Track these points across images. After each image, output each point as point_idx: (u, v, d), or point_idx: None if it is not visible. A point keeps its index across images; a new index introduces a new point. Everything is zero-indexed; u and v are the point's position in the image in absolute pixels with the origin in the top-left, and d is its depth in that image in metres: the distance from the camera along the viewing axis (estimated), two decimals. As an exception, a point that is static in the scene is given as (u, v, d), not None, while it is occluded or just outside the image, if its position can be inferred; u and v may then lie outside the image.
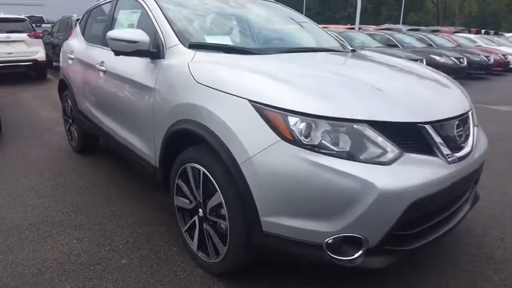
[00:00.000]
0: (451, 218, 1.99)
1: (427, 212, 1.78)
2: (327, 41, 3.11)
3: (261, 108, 1.68)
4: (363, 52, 2.97)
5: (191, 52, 2.22)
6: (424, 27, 21.95)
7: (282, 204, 1.65)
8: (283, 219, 1.66)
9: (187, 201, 2.17)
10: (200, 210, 2.07)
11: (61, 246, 2.44)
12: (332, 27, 17.34)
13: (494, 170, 3.77)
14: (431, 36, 13.71)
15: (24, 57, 9.22)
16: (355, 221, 1.57)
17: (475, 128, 2.14)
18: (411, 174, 1.63)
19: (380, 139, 1.62)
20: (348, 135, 1.60)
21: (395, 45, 11.24)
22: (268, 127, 1.64)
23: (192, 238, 2.20)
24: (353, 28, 15.59)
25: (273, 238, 1.70)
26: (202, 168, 1.95)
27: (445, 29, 21.85)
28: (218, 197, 1.87)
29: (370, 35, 11.68)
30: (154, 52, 2.38)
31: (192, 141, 2.03)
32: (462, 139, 1.91)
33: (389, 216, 1.60)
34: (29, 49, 9.25)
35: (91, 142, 4.09)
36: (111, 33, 2.39)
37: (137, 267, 2.22)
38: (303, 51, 2.61)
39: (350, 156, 1.58)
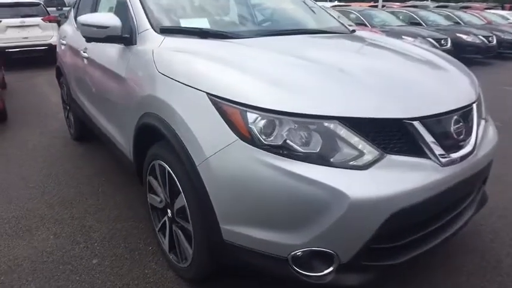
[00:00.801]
0: (449, 226, 1.75)
1: (414, 222, 1.55)
2: (323, 22, 2.83)
3: (219, 103, 1.48)
4: (361, 34, 2.68)
5: (160, 38, 2.03)
6: (453, 4, 20.75)
7: (241, 212, 1.47)
8: (245, 229, 1.48)
9: (158, 199, 2.02)
10: (169, 210, 1.92)
11: (36, 242, 2.36)
12: (355, 5, 16.65)
13: (513, 162, 3.44)
14: (459, 13, 12.87)
15: (39, 41, 9.23)
16: (322, 234, 1.37)
17: (482, 121, 1.87)
18: (393, 180, 1.40)
19: (355, 139, 1.39)
20: (316, 135, 1.38)
21: (419, 24, 10.61)
22: (226, 124, 1.44)
23: (164, 239, 2.05)
24: (376, 6, 14.89)
25: (235, 248, 1.53)
26: (167, 167, 1.78)
27: (476, 5, 20.57)
28: (182, 199, 1.71)
29: (392, 13, 11.07)
30: (127, 38, 2.20)
31: (158, 137, 1.86)
32: (462, 136, 1.64)
33: (364, 229, 1.39)
34: (43, 33, 9.25)
35: (87, 130, 4.00)
36: (81, 18, 2.22)
37: (107, 267, 2.10)
38: (289, 33, 2.36)
39: (318, 159, 1.37)
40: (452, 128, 1.58)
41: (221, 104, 1.47)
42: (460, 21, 11.98)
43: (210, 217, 1.53)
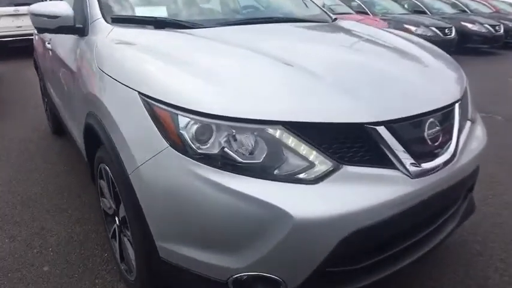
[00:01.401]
0: (425, 242, 1.56)
1: (379, 241, 1.37)
2: (302, 10, 2.61)
3: (151, 104, 1.30)
4: (342, 23, 2.46)
5: (108, 28, 1.84)
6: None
7: (176, 229, 1.30)
8: (181, 248, 1.31)
9: (108, 205, 1.86)
10: (116, 218, 1.76)
11: (-11, 246, 2.22)
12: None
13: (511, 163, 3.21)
14: (466, 1, 12.43)
15: (34, 30, 9.07)
16: (264, 257, 1.20)
17: (467, 123, 1.66)
18: (350, 195, 1.21)
19: (304, 148, 1.21)
20: (260, 143, 1.20)
21: (423, 12, 10.25)
22: (157, 129, 1.27)
23: (116, 247, 1.90)
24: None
25: (172, 268, 1.36)
26: (109, 172, 1.62)
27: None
28: (123, 208, 1.55)
29: (396, 0, 10.70)
30: (79, 28, 2.02)
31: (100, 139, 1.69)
32: (438, 142, 1.43)
33: (314, 253, 1.21)
34: (37, 22, 9.08)
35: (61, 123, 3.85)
36: (31, 7, 2.05)
37: (57, 276, 1.96)
38: (259, 22, 2.15)
39: (260, 171, 1.19)
40: (426, 133, 1.38)
41: (153, 106, 1.29)
42: (467, 10, 11.57)
43: (146, 231, 1.37)
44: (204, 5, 2.22)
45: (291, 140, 1.20)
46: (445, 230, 1.64)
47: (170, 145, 1.23)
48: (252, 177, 1.17)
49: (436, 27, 8.38)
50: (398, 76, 1.57)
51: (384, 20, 8.33)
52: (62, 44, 2.32)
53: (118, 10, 2.02)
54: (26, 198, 2.74)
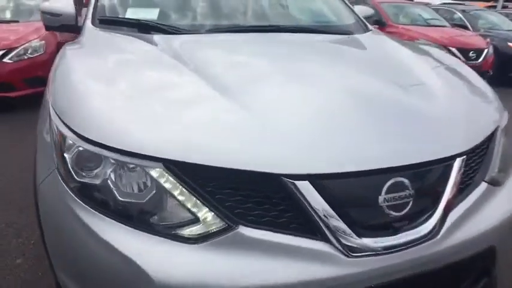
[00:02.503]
0: None
1: None
2: (329, 17, 2.29)
3: (54, 118, 1.15)
4: (364, 37, 2.03)
5: (92, 31, 1.77)
6: None
7: (66, 262, 1.14)
8: (72, 283, 1.14)
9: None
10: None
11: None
12: (477, 4, 14.51)
13: None
14: None
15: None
16: None
17: (482, 186, 1.22)
18: (240, 266, 0.93)
19: (189, 196, 0.95)
20: (138, 181, 0.98)
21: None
22: (54, 146, 1.12)
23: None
24: (495, 6, 12.81)
25: None
26: None
27: None
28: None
29: (507, 15, 9.32)
30: (80, 28, 1.99)
31: None
32: (407, 210, 1.04)
33: None
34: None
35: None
36: (42, 5, 2.08)
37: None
38: (259, 30, 1.87)
39: (136, 215, 0.97)
40: (384, 197, 1.00)
41: (55, 121, 1.14)
42: None
43: (49, 259, 1.24)
44: (202, 8, 2.01)
45: (172, 185, 0.95)
46: None
47: (57, 167, 1.07)
48: (125, 223, 0.96)
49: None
50: (364, 117, 1.17)
51: (485, 35, 7.23)
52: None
53: (110, 12, 1.93)
54: None
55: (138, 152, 0.97)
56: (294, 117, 1.12)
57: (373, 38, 2.05)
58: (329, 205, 0.95)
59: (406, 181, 1.02)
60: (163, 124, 1.05)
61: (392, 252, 1.01)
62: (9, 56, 4.43)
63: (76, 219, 1.00)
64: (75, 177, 1.03)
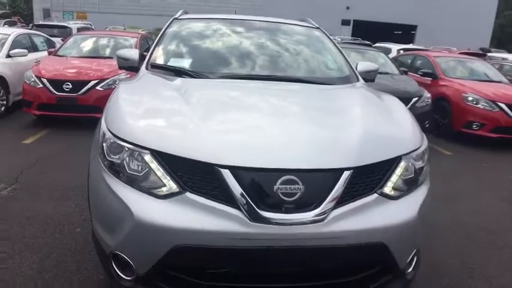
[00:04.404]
0: None
1: (211, 265, 1.66)
2: (319, 70, 2.95)
3: (103, 124, 1.97)
4: (347, 89, 2.62)
5: (143, 72, 2.62)
6: None
7: (96, 209, 1.89)
8: (96, 225, 1.89)
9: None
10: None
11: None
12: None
13: None
14: None
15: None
16: (122, 242, 1.68)
17: (373, 196, 1.70)
18: (183, 215, 1.57)
19: (162, 171, 1.64)
20: (136, 161, 1.70)
21: None
22: (98, 141, 1.91)
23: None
24: None
25: (95, 239, 1.94)
26: None
27: None
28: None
29: None
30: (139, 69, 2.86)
31: None
32: (295, 198, 1.57)
33: (152, 251, 1.61)
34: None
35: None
36: (118, 52, 3.01)
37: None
38: (262, 79, 2.56)
39: (134, 181, 1.68)
40: (278, 187, 1.57)
41: (102, 125, 1.94)
42: None
43: (89, 208, 1.99)
44: (216, 61, 2.79)
45: (154, 164, 1.65)
46: None
47: (99, 152, 1.84)
48: (128, 184, 1.68)
49: None
50: (282, 133, 1.80)
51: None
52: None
53: (159, 60, 2.79)
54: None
55: (138, 143, 1.70)
56: (232, 128, 1.84)
57: (348, 87, 2.65)
58: (241, 187, 1.57)
59: (296, 179, 1.58)
60: (153, 128, 1.82)
61: (283, 225, 1.57)
62: (101, 84, 5.67)
63: (104, 182, 1.74)
64: (107, 157, 1.78)
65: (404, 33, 30.19)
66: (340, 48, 3.17)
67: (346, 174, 1.65)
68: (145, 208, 1.60)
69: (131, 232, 1.60)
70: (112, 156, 1.77)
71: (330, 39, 3.29)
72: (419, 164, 1.91)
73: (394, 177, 1.78)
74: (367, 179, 1.72)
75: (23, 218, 2.99)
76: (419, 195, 1.87)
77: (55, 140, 5.17)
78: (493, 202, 4.10)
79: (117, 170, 1.73)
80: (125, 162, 1.72)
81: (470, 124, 6.37)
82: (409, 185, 1.84)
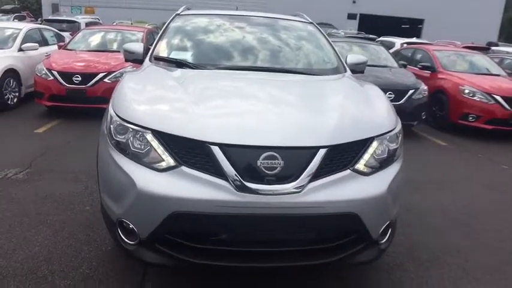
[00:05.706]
0: (269, 257, 1.96)
1: (203, 230, 1.90)
2: (312, 62, 3.17)
3: (110, 108, 2.21)
4: (334, 79, 2.84)
5: (146, 64, 2.87)
6: None
7: (103, 183, 2.15)
8: (104, 197, 2.14)
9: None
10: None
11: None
12: None
13: None
14: None
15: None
16: (127, 210, 1.93)
17: (346, 172, 1.92)
18: (179, 186, 1.82)
19: (162, 149, 1.88)
20: (139, 139, 1.94)
21: None
22: (106, 122, 2.17)
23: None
24: None
25: (103, 210, 2.20)
26: None
27: None
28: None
29: None
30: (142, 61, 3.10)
31: None
32: (275, 172, 1.80)
33: (152, 218, 1.86)
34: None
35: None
36: (124, 45, 3.26)
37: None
38: (255, 70, 2.83)
39: (137, 157, 1.93)
40: (260, 161, 1.81)
41: (110, 109, 2.19)
42: None
43: (98, 183, 2.25)
44: (213, 54, 3.04)
45: (155, 142, 1.90)
46: (306, 260, 1.96)
47: (107, 132, 2.09)
48: (131, 159, 1.93)
49: None
50: (267, 115, 2.08)
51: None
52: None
53: (162, 53, 3.03)
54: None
55: (141, 124, 1.94)
56: (221, 111, 2.11)
57: (335, 78, 2.87)
58: (229, 161, 1.81)
59: (276, 155, 1.83)
60: (154, 111, 2.07)
61: (265, 195, 1.81)
62: (109, 77, 5.93)
63: (111, 158, 1.99)
64: (114, 137, 2.03)
65: (412, 27, 30.07)
66: (331, 42, 3.39)
67: (321, 151, 1.89)
68: (147, 180, 1.84)
69: (134, 201, 1.85)
70: (118, 136, 2.01)
71: (322, 33, 3.50)
72: (393, 146, 2.13)
73: (367, 156, 2.00)
74: (341, 156, 1.95)
75: (38, 198, 3.26)
76: (391, 172, 2.09)
77: (66, 130, 5.46)
78: (481, 190, 4.28)
79: (122, 148, 1.98)
80: (129, 141, 1.96)
81: (466, 116, 6.54)
82: (382, 163, 2.06)
